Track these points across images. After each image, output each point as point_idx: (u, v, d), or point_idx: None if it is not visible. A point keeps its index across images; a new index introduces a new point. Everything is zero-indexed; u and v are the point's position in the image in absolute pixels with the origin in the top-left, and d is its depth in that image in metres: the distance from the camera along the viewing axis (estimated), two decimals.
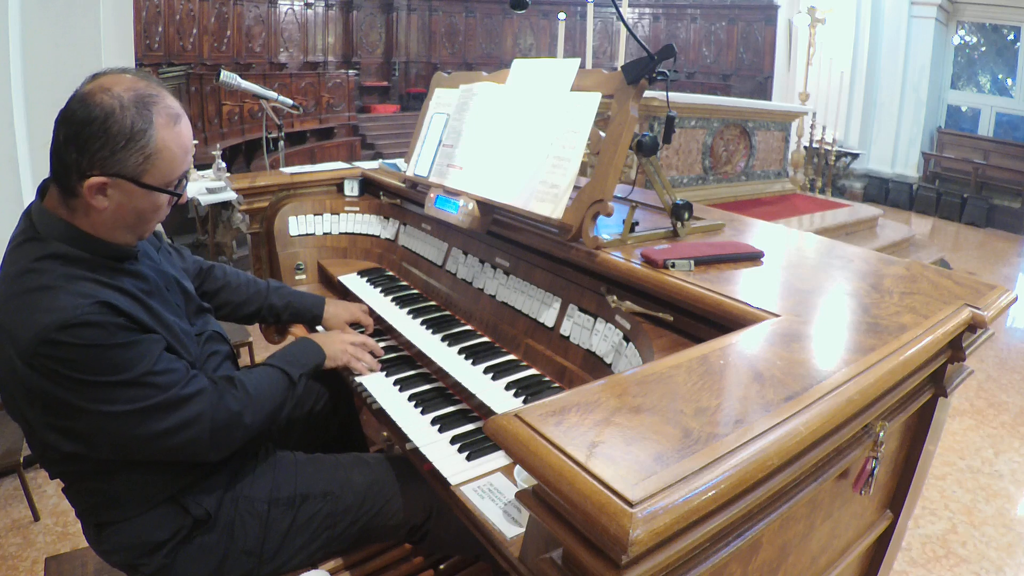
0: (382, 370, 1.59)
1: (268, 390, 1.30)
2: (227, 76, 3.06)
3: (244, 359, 3.54)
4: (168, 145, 1.09)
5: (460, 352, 1.56)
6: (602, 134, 1.42)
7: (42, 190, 1.14)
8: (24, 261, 1.06)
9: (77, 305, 1.01)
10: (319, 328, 1.80)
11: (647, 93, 1.53)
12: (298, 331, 1.90)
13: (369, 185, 2.37)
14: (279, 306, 1.69)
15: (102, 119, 1.03)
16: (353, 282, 2.05)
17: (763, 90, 11.69)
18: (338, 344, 1.53)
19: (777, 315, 1.08)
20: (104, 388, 1.04)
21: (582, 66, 1.54)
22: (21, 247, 1.09)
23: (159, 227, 1.28)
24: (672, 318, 1.24)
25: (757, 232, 1.66)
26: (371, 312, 1.85)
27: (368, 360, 1.57)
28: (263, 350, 3.85)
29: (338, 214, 2.33)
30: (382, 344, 1.77)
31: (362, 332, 1.80)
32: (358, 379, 1.55)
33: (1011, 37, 9.71)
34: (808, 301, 1.17)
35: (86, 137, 1.03)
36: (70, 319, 1.00)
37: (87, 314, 1.01)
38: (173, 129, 1.10)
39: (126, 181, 1.07)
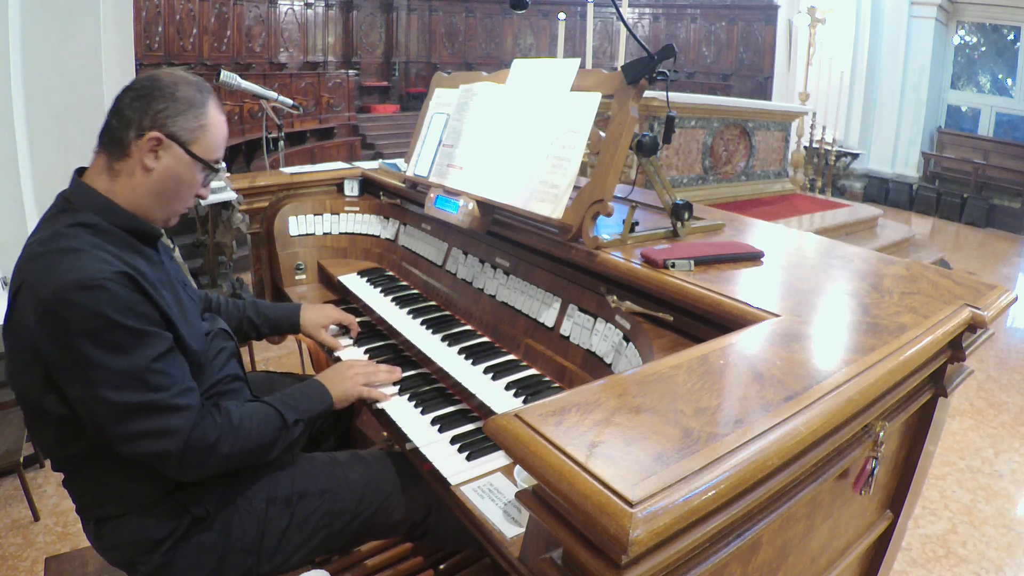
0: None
1: (256, 426, 1.25)
2: (227, 76, 3.05)
3: (244, 359, 3.54)
4: (217, 123, 1.25)
5: (460, 352, 1.56)
6: (602, 134, 1.42)
7: (79, 171, 1.21)
8: (56, 226, 1.12)
9: (99, 269, 1.05)
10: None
11: (647, 93, 1.53)
12: None
13: (369, 185, 2.37)
14: (256, 320, 1.69)
15: (171, 86, 1.19)
16: (353, 282, 2.05)
17: (763, 90, 11.69)
18: (347, 381, 1.45)
19: (777, 315, 1.08)
20: (100, 369, 1.05)
21: (582, 66, 1.54)
22: (54, 217, 1.15)
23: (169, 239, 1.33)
24: (672, 318, 1.24)
25: (757, 232, 1.66)
26: (371, 312, 1.86)
27: (382, 379, 1.50)
28: (263, 350, 3.85)
29: (338, 214, 2.33)
30: (381, 344, 1.77)
31: (348, 334, 1.79)
32: None
33: (1011, 37, 9.71)
34: (808, 301, 1.17)
35: (153, 98, 1.17)
36: (89, 280, 1.03)
37: (106, 279, 1.04)
38: (221, 115, 1.27)
39: (178, 145, 1.19)
